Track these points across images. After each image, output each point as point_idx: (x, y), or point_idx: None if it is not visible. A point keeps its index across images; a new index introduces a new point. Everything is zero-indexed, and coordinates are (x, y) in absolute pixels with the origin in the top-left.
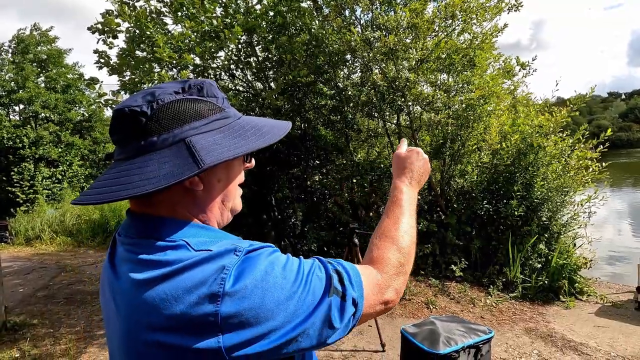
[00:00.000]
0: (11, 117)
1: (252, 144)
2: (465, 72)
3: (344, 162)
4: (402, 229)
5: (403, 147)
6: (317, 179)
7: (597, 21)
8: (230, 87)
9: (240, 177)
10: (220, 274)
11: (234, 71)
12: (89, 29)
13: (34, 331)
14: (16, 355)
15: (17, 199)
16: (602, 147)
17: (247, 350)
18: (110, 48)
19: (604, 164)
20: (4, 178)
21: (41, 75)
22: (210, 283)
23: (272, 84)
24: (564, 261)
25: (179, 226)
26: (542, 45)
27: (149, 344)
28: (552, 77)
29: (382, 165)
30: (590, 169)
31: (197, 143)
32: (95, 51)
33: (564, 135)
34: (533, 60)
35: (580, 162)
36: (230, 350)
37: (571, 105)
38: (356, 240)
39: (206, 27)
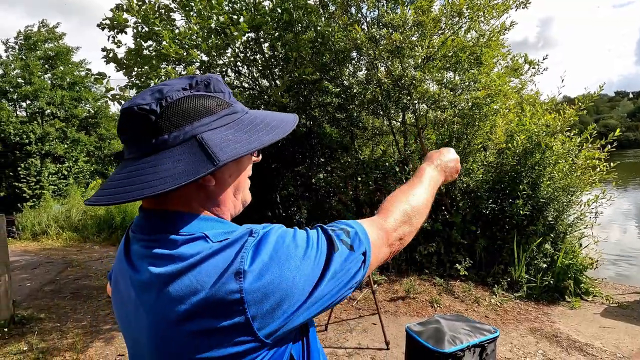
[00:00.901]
0: (18, 113)
1: (264, 138)
2: (472, 70)
3: (349, 160)
4: (416, 192)
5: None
6: (321, 177)
7: (605, 19)
8: (236, 84)
9: (249, 170)
10: (240, 253)
11: (240, 68)
12: (98, 25)
13: (41, 325)
14: (24, 349)
15: (24, 195)
16: (610, 147)
17: (276, 319)
18: (119, 46)
19: (611, 164)
20: (10, 174)
21: (48, 72)
22: (232, 263)
23: (277, 81)
24: (570, 261)
25: (195, 220)
26: (549, 43)
27: (180, 334)
28: (559, 76)
29: (387, 164)
30: (598, 169)
31: (209, 140)
32: (104, 49)
33: (571, 134)
34: (544, 59)
35: (588, 161)
36: (260, 322)
37: (579, 104)
38: None
39: (213, 24)
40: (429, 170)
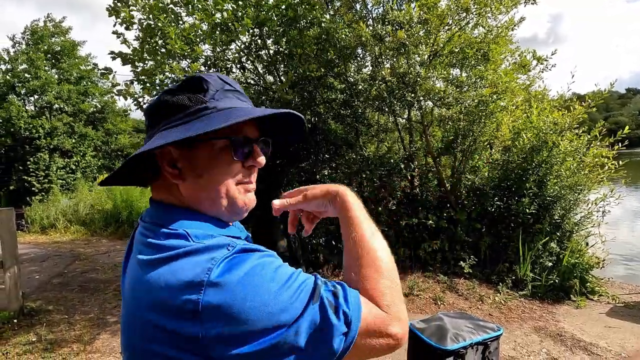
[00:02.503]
0: (27, 107)
1: (199, 129)
2: (479, 67)
3: (354, 156)
4: (377, 247)
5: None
6: (326, 173)
7: (617, 15)
8: (241, 80)
9: (235, 173)
10: (208, 264)
11: (245, 64)
12: (107, 9)
13: (49, 317)
14: (33, 340)
15: (33, 188)
16: (619, 145)
17: (226, 346)
18: (123, 42)
19: (620, 162)
20: (20, 167)
21: (55, 67)
22: (198, 272)
23: (282, 78)
24: (576, 260)
25: (182, 216)
26: (559, 39)
27: (145, 321)
28: (569, 72)
29: (392, 161)
30: (606, 167)
31: (162, 135)
32: (115, 32)
33: (580, 132)
34: (552, 54)
35: (596, 159)
36: (209, 341)
37: (589, 101)
38: None
39: (217, 19)
40: (346, 195)
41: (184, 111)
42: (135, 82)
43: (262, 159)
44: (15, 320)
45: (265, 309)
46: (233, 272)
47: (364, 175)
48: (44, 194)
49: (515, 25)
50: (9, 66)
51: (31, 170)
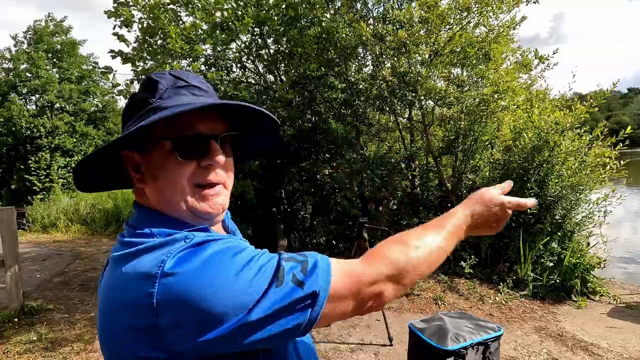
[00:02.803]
0: (28, 107)
1: (132, 130)
2: (480, 66)
3: (355, 156)
4: (426, 240)
5: (502, 187)
6: (327, 173)
7: (619, 14)
8: (241, 79)
9: (188, 175)
10: (163, 256)
11: (246, 63)
12: (105, 12)
13: (50, 316)
14: (33, 339)
15: (34, 187)
16: (621, 145)
17: (187, 336)
18: (122, 41)
19: (622, 161)
20: (21, 167)
21: (55, 66)
22: (153, 265)
23: (283, 77)
24: (577, 260)
25: (151, 217)
26: (561, 38)
27: (114, 318)
28: (570, 72)
29: (392, 160)
30: (608, 167)
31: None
32: (115, 34)
33: (581, 131)
34: (554, 53)
35: (598, 159)
36: (169, 333)
37: (591, 101)
38: (365, 235)
39: (217, 19)
40: (459, 216)
41: (137, 113)
42: (136, 82)
43: (219, 158)
44: (16, 319)
45: (222, 294)
46: (189, 262)
47: (364, 175)
48: (45, 193)
49: (516, 25)
50: (10, 65)
51: (32, 169)
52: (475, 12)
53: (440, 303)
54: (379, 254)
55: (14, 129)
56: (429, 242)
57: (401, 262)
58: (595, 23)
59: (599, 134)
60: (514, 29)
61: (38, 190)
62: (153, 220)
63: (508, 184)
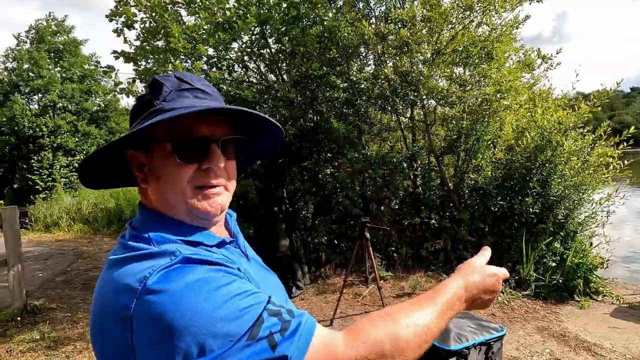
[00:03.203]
0: (30, 106)
1: (136, 130)
2: (483, 66)
3: (356, 155)
4: (416, 318)
5: (485, 255)
6: (328, 172)
7: (623, 12)
8: (243, 78)
9: (188, 176)
10: (147, 271)
11: (247, 63)
12: (107, 16)
13: (52, 315)
14: (36, 337)
15: (37, 187)
16: (624, 144)
17: (152, 357)
18: (125, 41)
19: (625, 161)
20: (24, 166)
21: (57, 65)
22: (137, 278)
23: (285, 76)
24: (580, 260)
25: (151, 218)
26: (564, 37)
27: (99, 320)
28: (573, 71)
29: (394, 160)
30: (611, 167)
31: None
32: (115, 30)
33: (584, 131)
34: (557, 53)
35: (601, 159)
36: (138, 350)
37: (594, 100)
38: (367, 234)
39: (219, 19)
40: (453, 290)
41: (142, 114)
42: (138, 80)
43: (220, 161)
44: (19, 318)
45: (192, 329)
46: (170, 282)
47: (366, 175)
48: (47, 192)
49: (520, 24)
50: (13, 65)
51: (35, 168)
52: (478, 11)
53: None
54: (363, 331)
55: (16, 128)
56: (422, 318)
57: (386, 346)
58: (598, 22)
59: (602, 134)
60: (517, 28)
61: (40, 189)
62: (153, 222)
63: (489, 252)
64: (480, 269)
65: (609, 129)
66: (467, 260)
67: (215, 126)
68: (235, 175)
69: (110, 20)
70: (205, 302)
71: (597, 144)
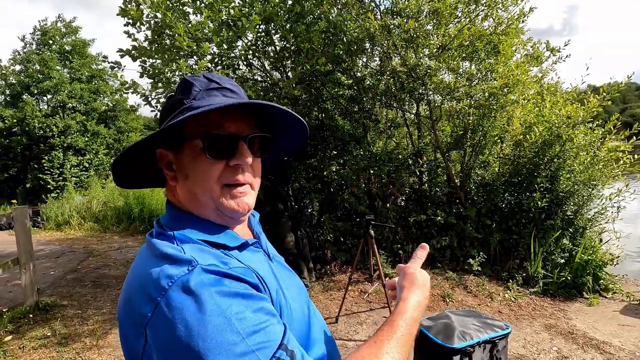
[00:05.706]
0: (41, 107)
1: (165, 128)
2: (489, 60)
3: (362, 152)
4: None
5: (420, 257)
6: (334, 170)
7: (634, 4)
8: (248, 76)
9: (217, 174)
10: (166, 281)
11: (252, 60)
12: (118, 14)
13: (63, 312)
14: (48, 334)
15: (48, 186)
16: (635, 138)
17: None
18: (133, 40)
19: (636, 155)
20: (35, 166)
21: (66, 67)
22: (158, 288)
23: (289, 74)
24: (589, 257)
25: (177, 216)
26: (574, 30)
27: (122, 309)
28: (584, 64)
29: (400, 156)
30: (621, 161)
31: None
32: (126, 32)
33: (594, 125)
34: (566, 45)
35: (611, 154)
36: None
37: (604, 94)
38: (372, 232)
39: (224, 16)
40: (409, 309)
41: (170, 114)
42: (145, 76)
43: (248, 158)
44: (31, 315)
45: (201, 356)
46: (187, 301)
47: (372, 172)
48: (58, 191)
49: (525, 16)
50: (22, 67)
51: (46, 168)
52: (484, 4)
53: (448, 300)
54: None
55: (27, 129)
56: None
57: None
58: (609, 13)
59: (612, 128)
60: (523, 22)
61: (52, 188)
62: (178, 220)
63: (426, 250)
64: (417, 280)
65: (619, 122)
66: (403, 269)
67: (242, 123)
68: (260, 173)
69: (123, 16)
70: (220, 333)
71: (607, 138)
